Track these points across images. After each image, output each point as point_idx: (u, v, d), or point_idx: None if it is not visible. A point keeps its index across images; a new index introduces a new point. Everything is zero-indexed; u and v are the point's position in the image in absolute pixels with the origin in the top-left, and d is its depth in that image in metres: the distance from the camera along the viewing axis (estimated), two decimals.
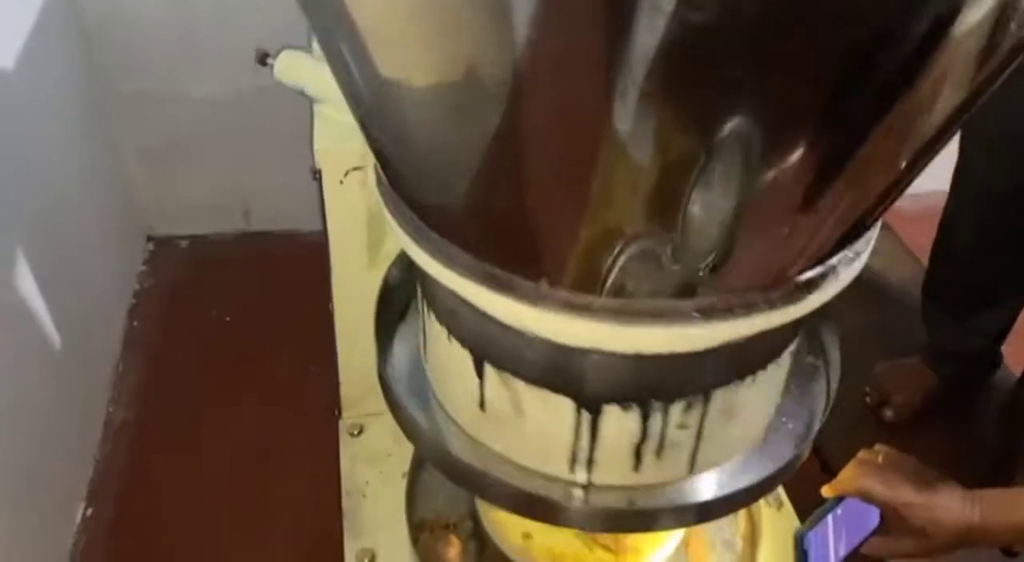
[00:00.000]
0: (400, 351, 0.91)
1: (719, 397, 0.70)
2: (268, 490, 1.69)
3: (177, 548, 1.62)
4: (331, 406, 1.30)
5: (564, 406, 0.70)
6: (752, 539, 1.10)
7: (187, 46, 1.95)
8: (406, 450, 1.16)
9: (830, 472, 1.32)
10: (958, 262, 1.28)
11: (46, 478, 1.49)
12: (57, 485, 1.59)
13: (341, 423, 1.26)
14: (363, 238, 1.07)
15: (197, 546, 1.63)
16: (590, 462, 0.73)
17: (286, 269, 2.16)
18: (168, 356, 1.97)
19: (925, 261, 1.64)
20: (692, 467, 0.75)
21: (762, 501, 1.12)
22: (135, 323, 2.05)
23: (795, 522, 1.15)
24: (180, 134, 2.08)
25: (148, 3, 1.87)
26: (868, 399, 1.42)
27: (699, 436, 0.72)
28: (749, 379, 0.71)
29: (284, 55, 1.02)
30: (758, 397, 0.75)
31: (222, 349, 2.00)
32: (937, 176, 1.68)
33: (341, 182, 1.00)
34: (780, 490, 1.18)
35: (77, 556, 1.61)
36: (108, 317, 1.98)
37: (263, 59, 1.03)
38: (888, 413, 1.39)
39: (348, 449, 1.23)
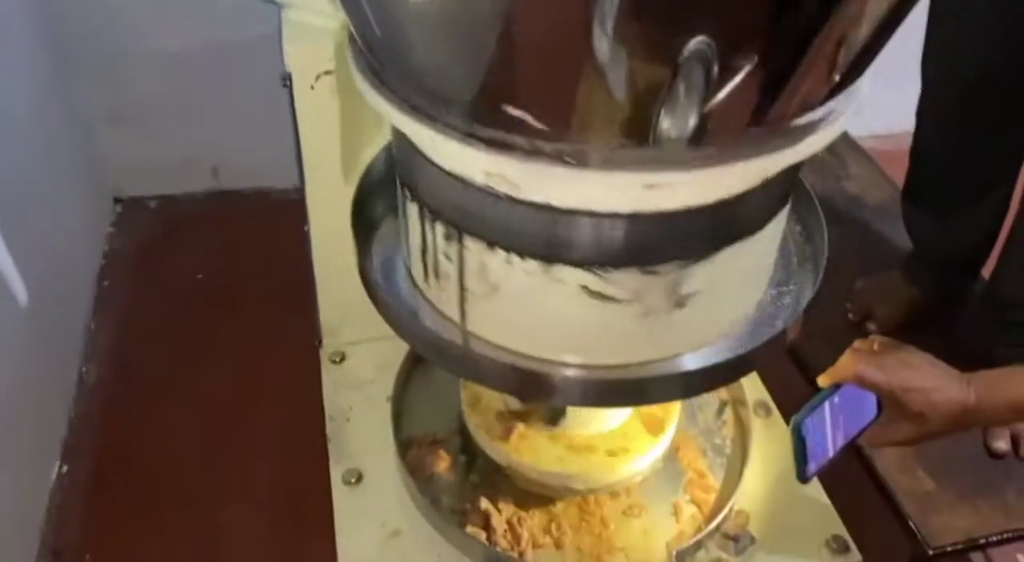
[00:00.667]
0: (380, 251, 0.89)
1: (719, 260, 0.69)
2: (248, 442, 1.67)
3: (158, 501, 1.59)
4: (311, 352, 1.27)
5: (558, 277, 0.68)
6: (742, 445, 1.09)
7: (153, 3, 1.90)
8: (389, 376, 1.15)
9: (814, 385, 1.33)
10: (938, 156, 1.27)
11: (20, 437, 1.46)
12: (32, 444, 1.55)
13: (322, 351, 1.24)
14: (337, 150, 1.04)
15: (179, 498, 1.60)
16: (584, 340, 0.72)
17: (258, 227, 2.12)
18: (141, 314, 1.93)
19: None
20: (686, 340, 0.74)
21: (751, 409, 1.11)
22: (105, 283, 2.01)
23: (784, 429, 1.14)
24: (146, 92, 2.03)
25: None
26: (851, 315, 1.42)
27: (695, 304, 0.71)
28: (746, 241, 0.70)
29: None
30: (753, 263, 0.74)
31: (196, 306, 1.96)
32: (910, 116, 1.69)
33: (312, 87, 0.97)
34: (768, 399, 1.17)
35: (54, 512, 1.57)
36: (77, 278, 1.94)
37: None
38: (871, 327, 1.39)
39: (330, 376, 1.20)
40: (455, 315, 0.78)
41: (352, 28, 0.69)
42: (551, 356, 0.74)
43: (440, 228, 0.72)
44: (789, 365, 1.36)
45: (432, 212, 0.72)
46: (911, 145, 1.33)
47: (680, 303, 0.70)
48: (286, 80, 0.97)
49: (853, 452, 1.24)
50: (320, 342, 1.25)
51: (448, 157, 0.64)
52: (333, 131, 1.02)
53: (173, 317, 1.93)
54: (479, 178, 0.63)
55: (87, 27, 1.92)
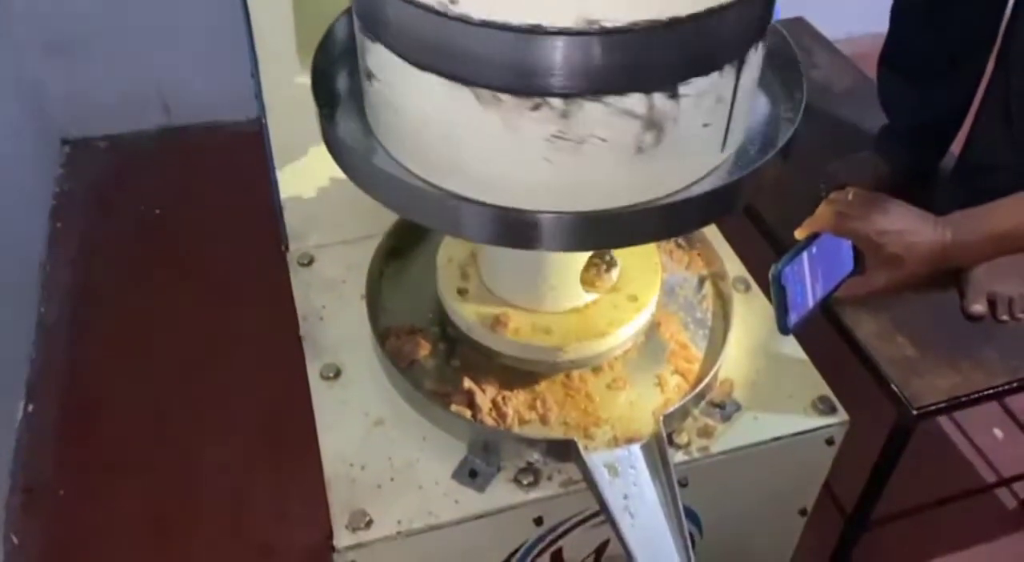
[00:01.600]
0: (345, 120, 0.85)
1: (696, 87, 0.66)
2: (223, 366, 1.64)
3: (131, 436, 1.56)
4: (279, 264, 1.23)
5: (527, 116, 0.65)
6: (724, 317, 1.08)
7: None
8: (360, 277, 1.11)
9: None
10: (917, 19, 1.26)
11: None
12: None
13: (289, 256, 1.20)
14: (291, 32, 0.99)
15: (153, 429, 1.57)
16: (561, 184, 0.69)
17: (213, 160, 2.07)
18: (97, 253, 1.88)
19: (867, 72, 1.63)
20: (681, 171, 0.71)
21: (731, 283, 1.10)
22: (58, 225, 1.95)
23: (764, 303, 1.13)
24: (86, 26, 1.95)
25: None
26: (824, 195, 1.41)
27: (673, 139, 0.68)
28: (729, 66, 0.67)
29: None
30: (734, 89, 0.71)
31: (155, 240, 1.91)
32: (872, 19, 1.68)
33: None
34: (747, 275, 1.16)
35: (23, 451, 1.53)
36: (28, 221, 1.88)
37: None
38: None
39: (299, 278, 1.17)
40: (428, 169, 0.75)
41: None
42: (529, 203, 0.71)
43: (410, 70, 0.69)
44: (766, 247, 1.35)
45: (396, 51, 0.69)
46: (891, 8, 1.31)
47: (658, 137, 0.67)
48: None
49: (833, 323, 1.24)
50: (287, 247, 1.21)
51: None
52: (286, 8, 0.97)
53: (131, 252, 1.88)
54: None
55: None
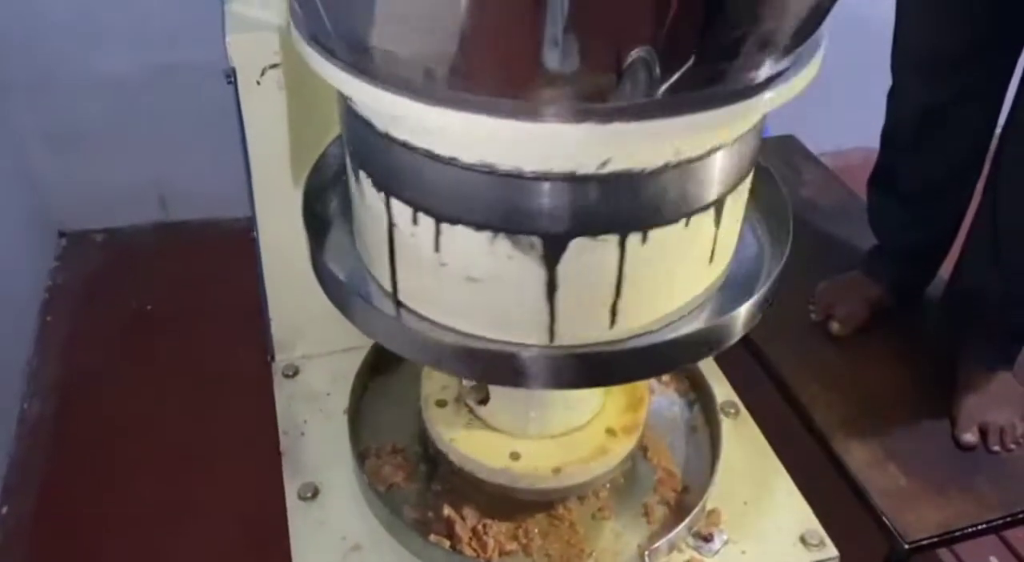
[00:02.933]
0: (332, 246, 0.86)
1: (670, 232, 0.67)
2: (201, 471, 1.60)
3: (107, 535, 1.52)
4: (264, 372, 1.22)
5: (523, 250, 0.65)
6: (712, 444, 1.06)
7: (89, 24, 1.86)
8: (344, 389, 1.10)
9: (781, 385, 1.31)
10: (907, 143, 1.28)
11: None
12: None
13: (274, 366, 1.19)
14: (286, 149, 1.00)
15: (129, 533, 1.53)
16: (550, 318, 0.69)
17: (208, 257, 2.07)
18: (85, 348, 1.86)
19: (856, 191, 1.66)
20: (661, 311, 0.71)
21: (719, 409, 1.09)
22: (48, 318, 1.94)
23: (753, 429, 1.12)
24: (87, 120, 1.98)
25: None
26: (813, 315, 1.41)
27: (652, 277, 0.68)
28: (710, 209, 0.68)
29: None
30: (723, 229, 0.72)
31: (144, 337, 1.90)
32: (861, 134, 1.72)
33: (258, 82, 0.94)
34: (736, 398, 1.15)
35: None
36: (18, 314, 1.87)
37: None
38: (834, 326, 1.38)
39: (284, 390, 1.15)
40: (414, 300, 0.74)
41: None
42: (512, 338, 0.71)
43: (396, 206, 0.69)
44: (754, 365, 1.35)
45: (386, 189, 0.69)
46: (881, 130, 1.33)
47: (640, 275, 0.68)
48: (230, 76, 0.94)
49: (823, 449, 1.22)
50: (272, 357, 1.20)
51: (406, 126, 0.62)
52: (281, 129, 0.99)
53: (119, 348, 1.86)
54: (427, 142, 0.60)
55: (22, 51, 1.87)
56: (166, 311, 1.96)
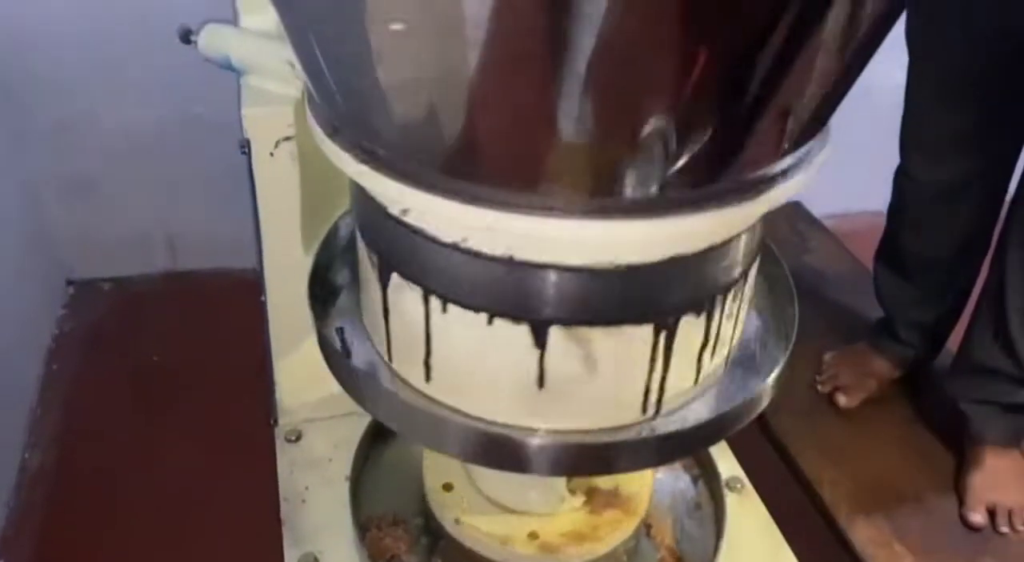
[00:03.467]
0: (339, 319, 0.86)
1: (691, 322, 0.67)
2: (202, 532, 1.59)
3: None
4: (266, 434, 1.21)
5: (521, 336, 0.65)
6: (717, 521, 1.05)
7: (107, 74, 1.89)
8: (346, 455, 1.10)
9: (786, 459, 1.30)
10: (913, 219, 1.28)
11: None
12: None
13: (277, 430, 1.19)
14: (296, 218, 1.02)
15: None
16: (548, 402, 0.69)
17: (216, 308, 2.07)
18: (89, 399, 1.86)
19: (863, 261, 1.66)
20: (659, 402, 0.71)
21: (724, 484, 1.08)
22: (54, 366, 1.94)
23: (758, 505, 1.11)
24: (100, 170, 2.00)
25: (66, 30, 1.81)
26: (820, 387, 1.41)
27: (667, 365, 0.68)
28: (714, 301, 0.68)
29: (208, 28, 0.98)
30: (726, 320, 0.72)
31: (148, 390, 1.89)
32: (869, 197, 1.72)
33: (272, 154, 0.95)
34: (742, 474, 1.14)
35: None
36: (23, 362, 1.87)
37: (186, 36, 0.99)
38: (841, 399, 1.37)
39: (286, 456, 1.15)
40: (418, 379, 0.74)
41: (309, 85, 0.68)
42: (517, 421, 0.71)
43: (404, 287, 0.70)
44: (761, 439, 1.34)
45: (395, 269, 0.70)
46: (888, 206, 1.34)
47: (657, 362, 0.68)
48: (244, 147, 0.95)
49: (828, 526, 1.21)
50: (275, 421, 1.20)
51: (421, 215, 0.63)
52: (293, 199, 1.00)
53: (123, 401, 1.85)
54: (434, 227, 0.61)
55: (39, 99, 1.89)
56: (171, 362, 1.96)
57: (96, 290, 2.15)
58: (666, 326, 0.66)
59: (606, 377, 0.68)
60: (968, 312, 1.31)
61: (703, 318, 0.68)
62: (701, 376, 0.72)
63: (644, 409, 0.70)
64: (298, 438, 1.17)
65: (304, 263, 1.00)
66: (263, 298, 1.09)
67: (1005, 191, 1.24)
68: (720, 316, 0.70)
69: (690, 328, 0.68)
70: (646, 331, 0.66)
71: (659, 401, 0.71)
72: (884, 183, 1.40)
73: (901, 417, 1.36)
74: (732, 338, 0.76)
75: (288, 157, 0.96)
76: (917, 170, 1.24)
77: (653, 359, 0.67)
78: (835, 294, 1.58)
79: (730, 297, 0.71)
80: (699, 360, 0.71)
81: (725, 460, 1.13)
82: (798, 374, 1.41)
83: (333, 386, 1.14)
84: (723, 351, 0.75)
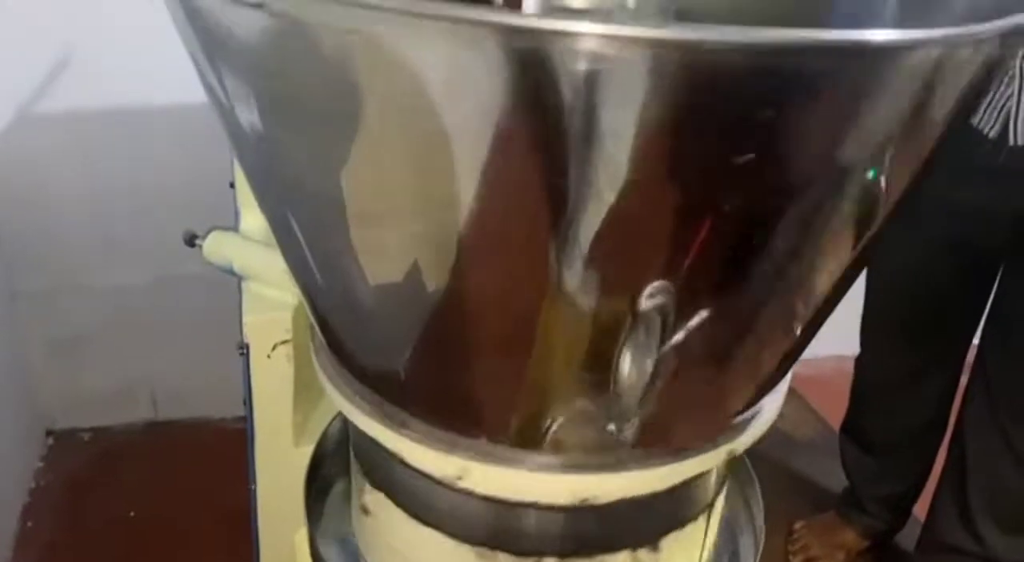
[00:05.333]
0: (329, 523, 0.90)
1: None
2: None
3: None
4: None
5: None
6: None
7: (99, 237, 1.96)
8: None
9: None
10: (878, 397, 1.35)
11: None
12: None
13: None
14: (289, 414, 1.06)
15: None
16: None
17: (196, 459, 2.08)
18: (66, 556, 1.84)
19: (829, 421, 1.72)
20: None
21: None
22: (29, 523, 1.93)
23: None
24: (88, 325, 2.05)
25: (64, 194, 1.89)
26: (791, 559, 1.44)
27: None
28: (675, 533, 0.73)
29: (213, 235, 1.05)
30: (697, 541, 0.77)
31: (125, 546, 1.88)
32: (834, 341, 1.80)
33: (268, 356, 1.01)
34: None
35: None
36: None
37: (191, 241, 1.06)
38: None
39: None
40: None
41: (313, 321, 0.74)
42: None
43: (382, 501, 0.74)
44: None
45: (376, 486, 0.75)
46: (851, 383, 1.41)
47: None
48: (243, 349, 1.01)
49: None
50: None
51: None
52: (287, 397, 1.04)
53: (99, 559, 1.84)
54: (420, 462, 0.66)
55: (35, 264, 1.95)
56: (149, 517, 1.95)
57: (76, 440, 2.16)
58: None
59: None
60: (932, 483, 1.36)
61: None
62: None
63: None
64: None
65: (295, 456, 1.05)
66: (252, 487, 1.12)
67: (961, 373, 1.32)
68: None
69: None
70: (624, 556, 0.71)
71: None
72: (848, 326, 1.45)
73: None
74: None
75: (284, 359, 1.02)
76: (876, 358, 1.31)
77: None
78: (803, 457, 1.63)
79: (702, 517, 0.76)
80: None
81: None
82: (769, 542, 1.44)
83: None
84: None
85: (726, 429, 0.68)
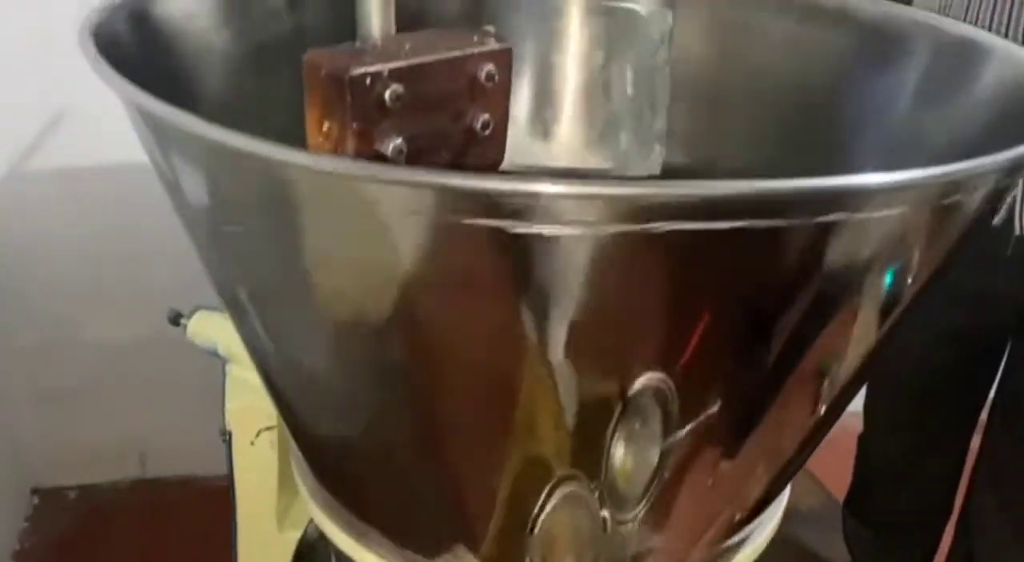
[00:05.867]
0: None
1: None
2: None
3: None
4: None
5: None
6: None
7: (92, 293, 1.93)
8: None
9: None
10: (882, 476, 1.32)
11: None
12: None
13: None
14: (273, 501, 1.03)
15: None
16: None
17: (184, 517, 2.03)
18: None
19: (833, 490, 1.67)
20: None
21: None
22: None
23: None
24: (75, 381, 2.01)
25: (53, 249, 1.87)
26: None
27: None
28: None
29: (197, 316, 1.02)
30: None
31: None
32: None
33: (252, 443, 0.98)
34: None
35: None
36: None
37: (176, 319, 1.04)
38: None
39: None
40: None
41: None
42: None
43: None
44: None
45: None
46: (854, 461, 1.37)
47: None
48: (225, 436, 0.98)
49: None
50: None
51: None
52: (271, 483, 1.02)
53: None
54: None
55: (24, 320, 1.92)
56: None
57: (62, 499, 2.11)
58: None
59: None
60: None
61: None
62: None
63: None
64: None
65: (278, 541, 1.02)
66: None
67: (966, 454, 1.28)
68: None
69: None
70: None
71: None
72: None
73: None
74: None
75: (268, 445, 0.99)
76: (878, 437, 1.28)
77: None
78: (807, 530, 1.59)
79: None
80: None
81: None
82: None
83: None
84: None
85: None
